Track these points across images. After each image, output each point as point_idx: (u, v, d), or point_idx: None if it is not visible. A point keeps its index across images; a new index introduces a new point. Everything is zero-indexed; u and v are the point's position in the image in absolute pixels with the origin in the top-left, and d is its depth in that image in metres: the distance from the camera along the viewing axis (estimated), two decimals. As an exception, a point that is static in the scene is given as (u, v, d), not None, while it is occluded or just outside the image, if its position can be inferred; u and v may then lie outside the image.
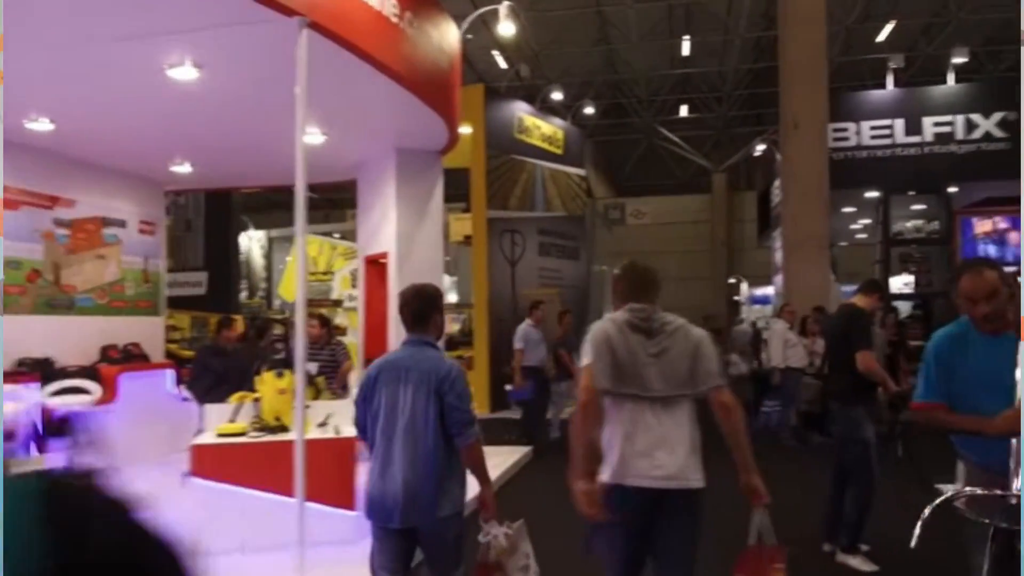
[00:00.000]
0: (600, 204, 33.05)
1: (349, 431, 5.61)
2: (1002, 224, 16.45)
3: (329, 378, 8.26)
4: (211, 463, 5.37)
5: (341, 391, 8.50)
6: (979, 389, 3.00)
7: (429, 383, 3.31)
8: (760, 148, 20.79)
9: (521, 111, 15.47)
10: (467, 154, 14.33)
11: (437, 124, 7.39)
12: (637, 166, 37.37)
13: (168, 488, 4.84)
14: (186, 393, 8.44)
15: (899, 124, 13.49)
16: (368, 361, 8.90)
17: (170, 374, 9.38)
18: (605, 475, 3.10)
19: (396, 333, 8.25)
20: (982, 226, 16.20)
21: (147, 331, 9.71)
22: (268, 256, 27.58)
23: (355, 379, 9.61)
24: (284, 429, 5.56)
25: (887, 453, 6.27)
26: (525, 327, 10.42)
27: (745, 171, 36.77)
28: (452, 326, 18.53)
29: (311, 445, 5.27)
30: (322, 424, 5.74)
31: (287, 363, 6.36)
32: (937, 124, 13.39)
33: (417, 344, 3.47)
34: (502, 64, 25.50)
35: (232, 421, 5.72)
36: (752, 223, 34.32)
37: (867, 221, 16.99)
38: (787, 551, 3.26)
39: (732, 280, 30.73)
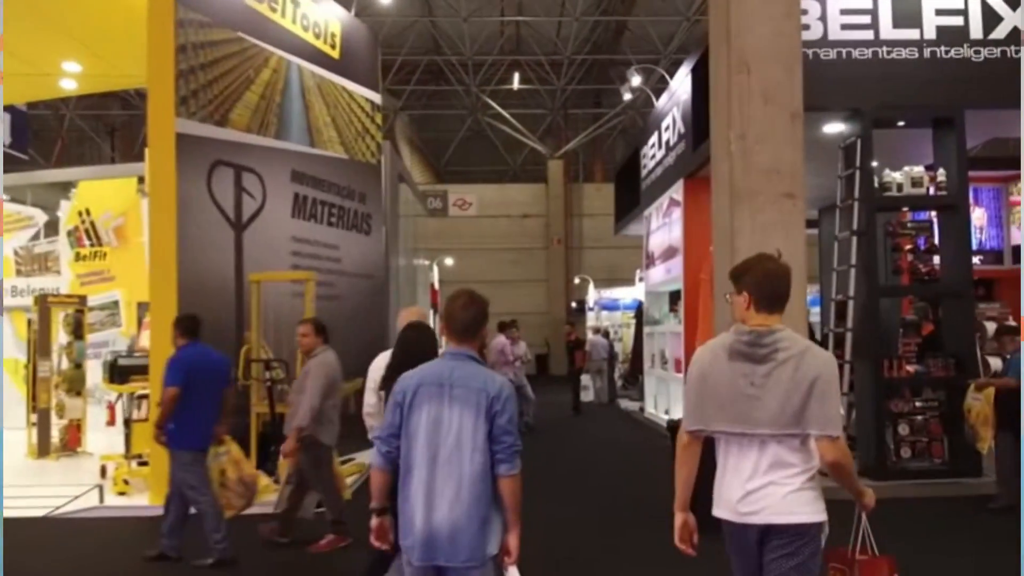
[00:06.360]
0: (418, 191, 26.79)
1: None
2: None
3: None
4: None
5: None
6: None
7: (479, 402, 2.93)
8: (635, 81, 15.23)
9: (261, -34, 8.93)
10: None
11: None
12: (461, 149, 31.58)
13: None
14: None
15: (884, 9, 8.29)
16: None
17: None
18: (714, 508, 2.87)
19: None
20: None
21: None
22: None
23: None
24: None
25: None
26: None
27: (585, 161, 32.09)
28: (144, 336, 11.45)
29: None
30: None
31: None
32: (942, 13, 8.31)
33: (461, 357, 3.04)
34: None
35: None
36: (592, 218, 29.73)
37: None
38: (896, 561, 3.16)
39: (577, 281, 25.41)
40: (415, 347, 4.22)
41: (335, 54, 10.20)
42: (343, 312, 9.40)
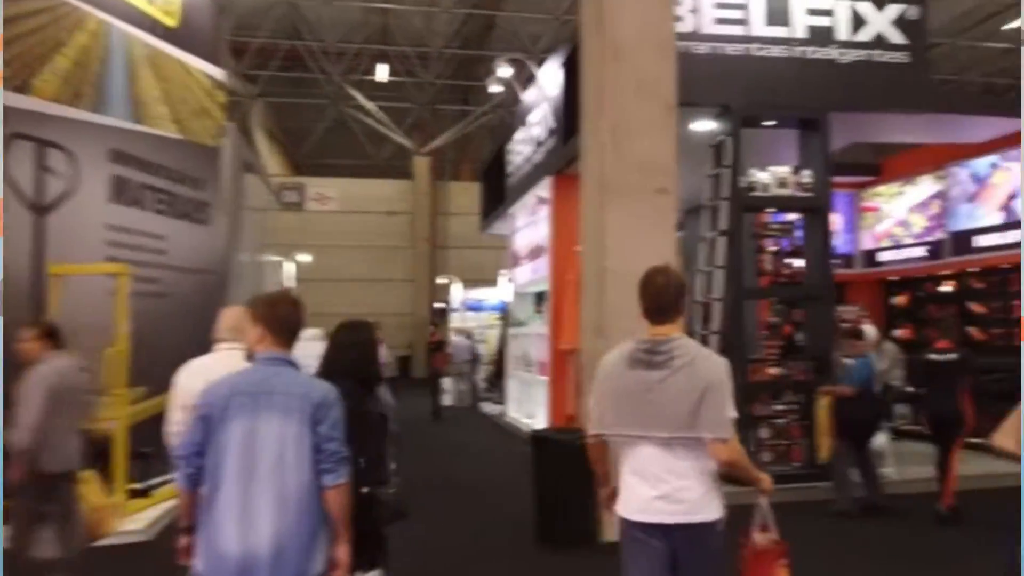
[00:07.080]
0: (273, 183, 25.26)
1: None
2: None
3: None
4: None
5: None
6: None
7: (303, 410, 2.76)
8: (502, 72, 14.70)
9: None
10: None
11: None
12: (323, 140, 30.17)
13: None
14: None
15: (758, 5, 8.11)
16: None
17: None
18: (618, 509, 3.03)
19: None
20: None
21: None
22: None
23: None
24: None
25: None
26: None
27: (452, 158, 31.43)
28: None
29: None
30: None
31: None
32: (813, 12, 8.21)
33: (279, 363, 2.86)
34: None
35: None
36: (459, 217, 29.12)
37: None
38: (788, 546, 3.24)
39: (443, 281, 24.72)
40: (347, 352, 3.76)
41: (171, 22, 9.05)
42: (170, 311, 8.30)
